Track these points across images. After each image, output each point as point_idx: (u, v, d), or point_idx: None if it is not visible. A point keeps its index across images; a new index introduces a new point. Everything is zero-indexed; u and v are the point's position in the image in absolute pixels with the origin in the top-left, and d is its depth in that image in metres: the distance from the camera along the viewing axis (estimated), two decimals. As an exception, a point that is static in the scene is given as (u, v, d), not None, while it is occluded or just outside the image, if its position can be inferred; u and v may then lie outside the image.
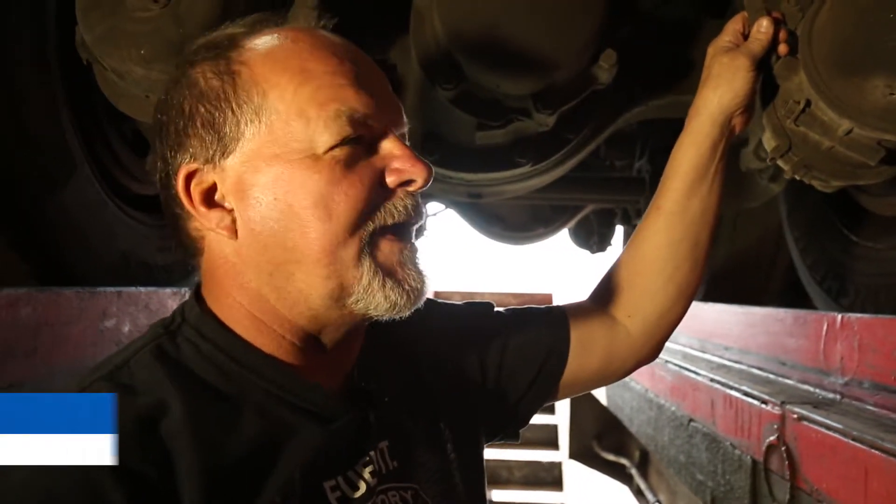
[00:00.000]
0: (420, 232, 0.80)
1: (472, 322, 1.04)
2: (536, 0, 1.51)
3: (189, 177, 0.75)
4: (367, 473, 0.78)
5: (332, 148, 0.72)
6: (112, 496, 0.60)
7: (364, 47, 0.83)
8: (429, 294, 0.79)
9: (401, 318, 0.76)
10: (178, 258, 2.58)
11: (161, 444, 0.66)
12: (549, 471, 6.21)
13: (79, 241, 1.92)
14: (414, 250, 0.77)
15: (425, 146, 1.97)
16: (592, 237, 4.10)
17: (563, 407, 6.27)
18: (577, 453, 5.37)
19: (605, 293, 1.11)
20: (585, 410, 5.25)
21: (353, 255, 0.72)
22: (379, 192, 0.74)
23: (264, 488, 0.69)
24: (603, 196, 3.21)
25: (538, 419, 3.26)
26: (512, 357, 1.01)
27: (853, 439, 1.31)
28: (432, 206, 3.26)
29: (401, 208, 0.75)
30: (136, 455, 0.64)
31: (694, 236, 1.08)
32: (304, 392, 0.75)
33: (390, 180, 0.75)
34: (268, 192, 0.72)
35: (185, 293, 1.92)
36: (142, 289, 1.76)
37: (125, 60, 1.43)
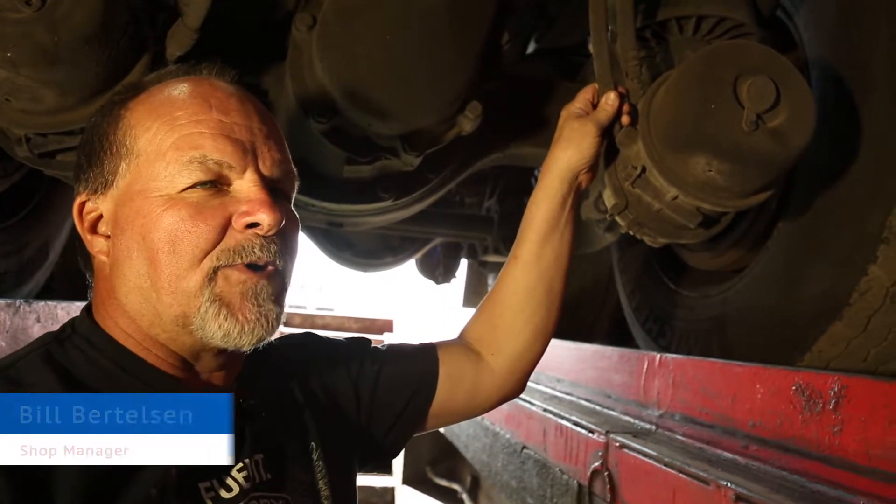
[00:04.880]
0: (279, 271, 0.84)
1: (349, 354, 1.10)
2: (413, 52, 1.58)
3: (82, 205, 0.85)
4: (240, 477, 0.83)
5: (185, 189, 0.79)
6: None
7: (238, 70, 0.91)
8: (276, 329, 0.83)
9: (244, 349, 0.81)
10: (10, 267, 2.40)
11: None
12: (381, 496, 6.21)
13: None
14: (263, 285, 0.81)
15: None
16: (438, 268, 4.24)
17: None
18: (410, 479, 5.42)
19: (472, 333, 1.20)
20: (421, 436, 5.29)
21: (194, 286, 0.79)
22: (225, 232, 0.80)
23: (140, 478, 0.74)
24: (453, 231, 3.35)
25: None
26: (385, 387, 1.08)
27: (665, 465, 1.42)
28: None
29: (248, 249, 0.80)
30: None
31: (548, 282, 1.18)
32: None
33: (238, 223, 0.80)
34: (129, 223, 0.80)
35: (20, 305, 1.81)
36: (-28, 298, 1.63)
37: (-14, 60, 1.36)
